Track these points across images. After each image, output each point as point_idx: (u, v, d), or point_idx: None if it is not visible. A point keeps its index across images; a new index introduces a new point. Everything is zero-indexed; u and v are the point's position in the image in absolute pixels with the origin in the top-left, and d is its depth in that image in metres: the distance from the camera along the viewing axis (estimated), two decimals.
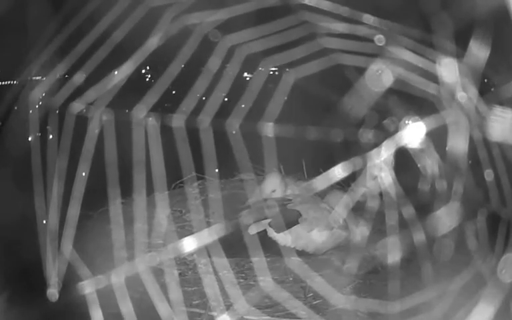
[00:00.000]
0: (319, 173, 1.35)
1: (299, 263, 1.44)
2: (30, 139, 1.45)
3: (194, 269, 1.56)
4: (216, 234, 1.22)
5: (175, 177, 1.91)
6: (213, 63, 1.30)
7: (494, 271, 1.11)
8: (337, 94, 1.75)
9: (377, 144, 1.25)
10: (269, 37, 1.20)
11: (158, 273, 1.32)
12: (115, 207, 1.35)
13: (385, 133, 1.32)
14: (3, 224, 1.56)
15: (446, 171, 1.31)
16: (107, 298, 1.15)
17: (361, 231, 1.71)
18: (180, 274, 1.56)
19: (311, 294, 1.46)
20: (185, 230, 1.78)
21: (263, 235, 1.69)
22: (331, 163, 1.26)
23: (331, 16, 1.14)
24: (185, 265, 1.60)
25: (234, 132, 1.53)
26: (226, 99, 1.84)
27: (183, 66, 1.27)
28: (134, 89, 1.28)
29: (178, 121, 1.27)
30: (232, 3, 1.17)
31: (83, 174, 1.23)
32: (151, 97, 1.23)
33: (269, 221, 1.71)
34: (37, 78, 1.49)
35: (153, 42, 1.18)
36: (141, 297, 1.23)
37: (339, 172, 1.22)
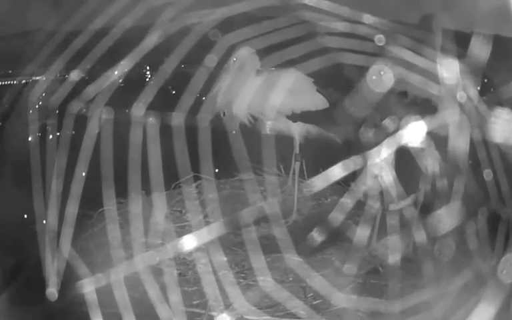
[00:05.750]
0: (318, 173, 1.35)
1: (298, 263, 1.44)
2: (30, 138, 1.45)
3: (193, 269, 1.56)
4: (216, 233, 1.22)
5: (174, 177, 1.91)
6: (212, 61, 1.30)
7: (494, 272, 1.10)
8: (338, 93, 1.75)
9: (377, 143, 1.25)
10: (269, 36, 1.20)
11: (157, 272, 1.31)
12: (114, 206, 1.35)
13: (386, 132, 1.32)
14: (3, 224, 1.56)
15: (447, 171, 1.31)
16: (106, 297, 1.15)
17: (361, 231, 1.70)
18: (180, 274, 1.56)
19: (311, 294, 1.46)
20: (184, 230, 1.77)
21: (263, 235, 1.69)
22: (331, 163, 1.26)
23: (331, 15, 1.14)
24: (185, 264, 1.60)
25: (234, 132, 1.53)
26: None
27: (182, 66, 1.27)
28: (134, 89, 1.28)
29: (177, 119, 1.27)
30: (231, 1, 1.17)
31: (83, 174, 1.23)
32: (148, 94, 1.23)
33: None
34: (37, 78, 1.49)
35: (152, 40, 1.18)
36: (140, 296, 1.22)
37: (339, 171, 1.21)
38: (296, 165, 1.95)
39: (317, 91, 1.87)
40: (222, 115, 1.80)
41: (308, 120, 1.85)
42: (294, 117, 1.84)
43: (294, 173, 1.98)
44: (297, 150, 1.92)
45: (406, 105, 1.38)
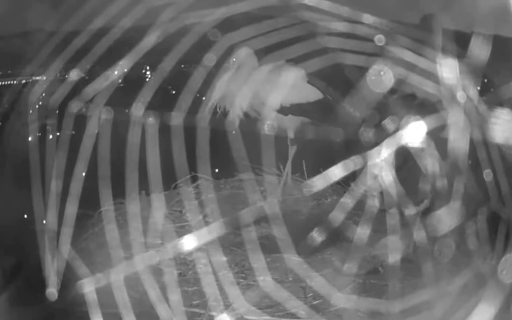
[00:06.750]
0: (319, 173, 1.35)
1: (298, 263, 1.44)
2: (30, 138, 1.45)
3: (194, 269, 1.56)
4: (215, 233, 1.22)
5: (174, 177, 1.92)
6: (211, 60, 1.30)
7: (494, 272, 1.10)
8: (338, 93, 1.75)
9: (377, 143, 1.25)
10: (269, 36, 1.20)
11: (157, 272, 1.31)
12: (114, 206, 1.35)
13: (386, 132, 1.32)
14: (2, 224, 1.55)
15: (447, 171, 1.31)
16: (106, 297, 1.15)
17: (361, 231, 1.70)
18: (180, 274, 1.56)
19: (311, 294, 1.46)
20: (184, 230, 1.77)
21: (263, 235, 1.69)
22: (331, 163, 1.26)
23: (331, 15, 1.14)
24: (185, 265, 1.60)
25: (233, 132, 1.53)
26: None
27: (182, 65, 1.27)
28: (134, 89, 1.28)
29: (177, 119, 1.27)
30: (231, 1, 1.17)
31: (83, 173, 1.23)
32: (147, 94, 1.23)
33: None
34: (37, 78, 1.49)
35: (151, 39, 1.18)
36: (140, 296, 1.23)
37: (339, 171, 1.21)
38: (292, 149, 1.94)
39: (308, 82, 1.86)
40: (218, 109, 1.81)
41: (301, 113, 1.85)
42: (284, 110, 1.84)
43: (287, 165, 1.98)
44: (290, 142, 1.92)
45: (407, 106, 1.38)
